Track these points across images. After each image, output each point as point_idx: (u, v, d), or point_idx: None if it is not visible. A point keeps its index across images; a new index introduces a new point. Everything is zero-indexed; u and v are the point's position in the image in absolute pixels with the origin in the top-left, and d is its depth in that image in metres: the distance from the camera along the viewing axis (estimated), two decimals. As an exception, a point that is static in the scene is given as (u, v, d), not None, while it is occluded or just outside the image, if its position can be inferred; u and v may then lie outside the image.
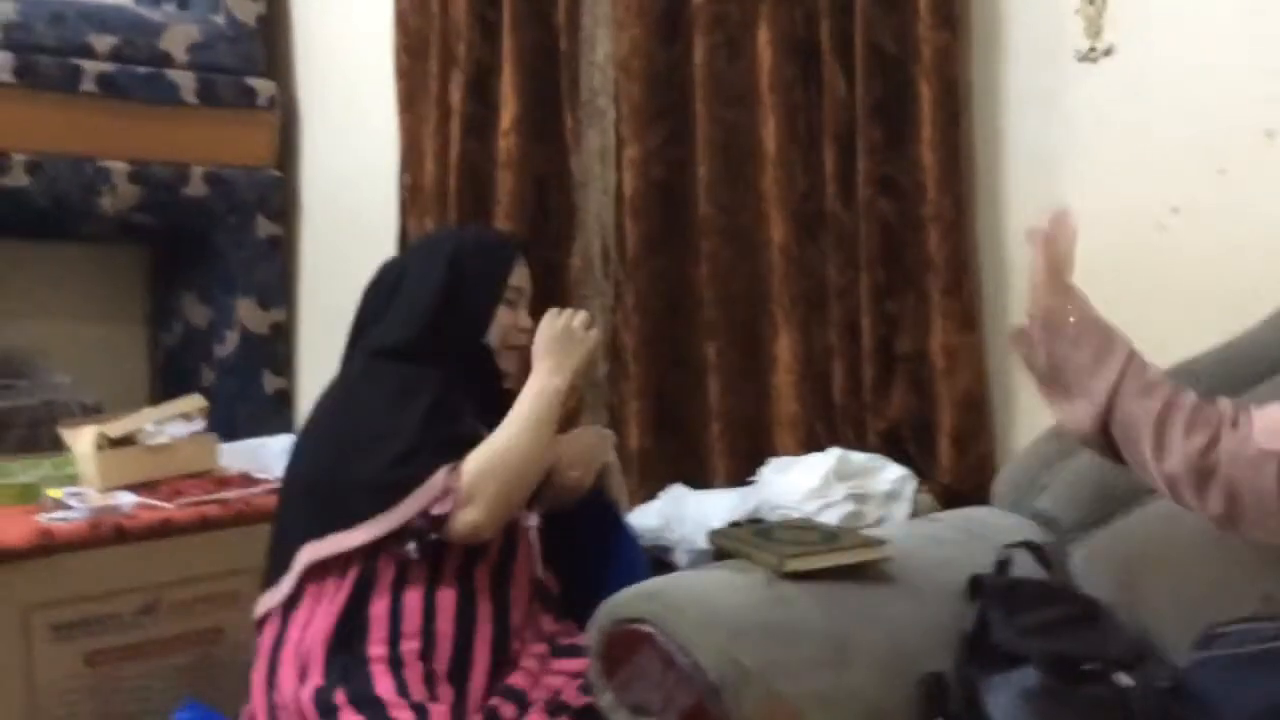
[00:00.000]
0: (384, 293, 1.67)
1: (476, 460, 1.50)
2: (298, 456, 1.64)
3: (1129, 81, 1.74)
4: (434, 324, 1.61)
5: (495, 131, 2.49)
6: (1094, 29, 1.75)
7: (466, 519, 1.48)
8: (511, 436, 1.53)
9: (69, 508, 2.02)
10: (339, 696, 1.44)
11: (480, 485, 1.48)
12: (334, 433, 1.57)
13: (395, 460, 1.50)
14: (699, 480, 2.12)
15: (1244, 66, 1.63)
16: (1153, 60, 1.71)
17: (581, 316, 1.63)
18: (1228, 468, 1.22)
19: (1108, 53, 1.75)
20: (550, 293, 2.39)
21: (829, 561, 1.42)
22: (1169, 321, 1.68)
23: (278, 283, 3.12)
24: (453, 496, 1.47)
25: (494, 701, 1.49)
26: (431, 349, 1.60)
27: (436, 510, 1.47)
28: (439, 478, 1.48)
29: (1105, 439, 1.30)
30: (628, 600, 1.37)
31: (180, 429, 2.24)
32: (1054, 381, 1.33)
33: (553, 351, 1.59)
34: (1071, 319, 1.30)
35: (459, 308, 1.63)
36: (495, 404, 1.64)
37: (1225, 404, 1.28)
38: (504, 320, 1.65)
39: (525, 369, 1.63)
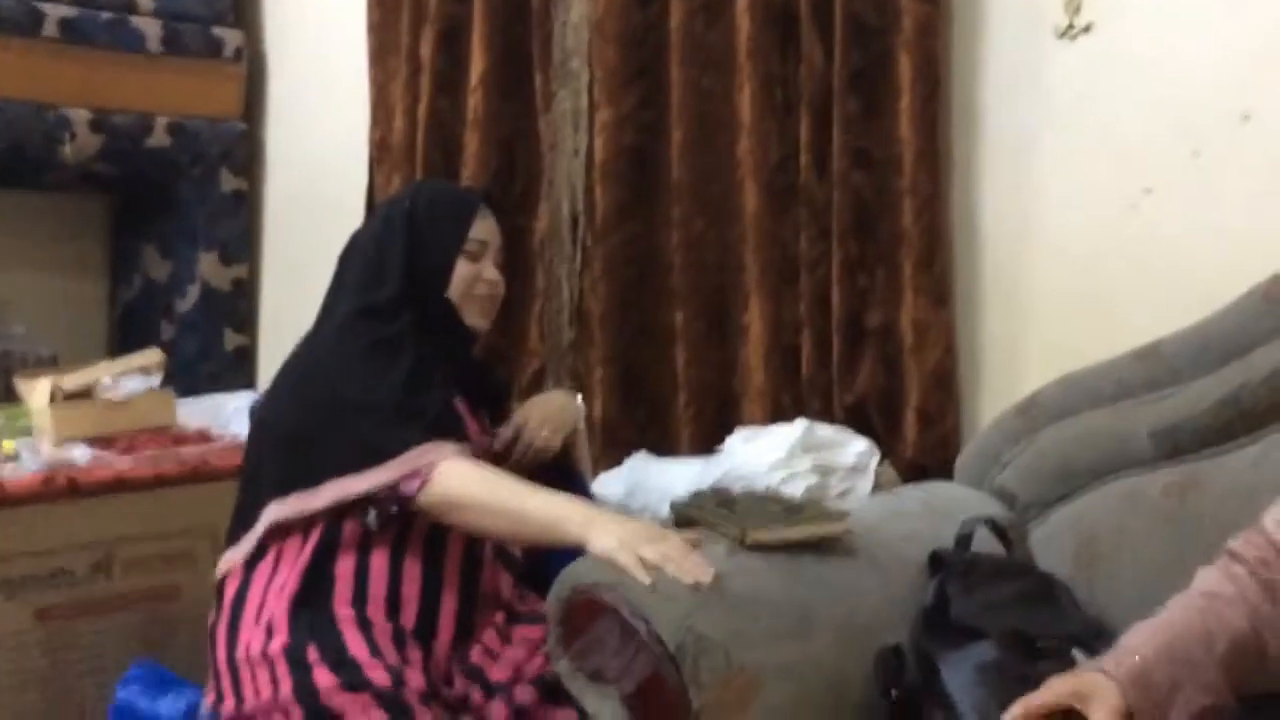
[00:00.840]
0: (355, 256, 1.65)
1: (467, 477, 1.44)
2: (269, 411, 1.61)
3: (1106, 60, 1.73)
4: (401, 281, 1.59)
5: (465, 89, 2.46)
6: (1073, 5, 1.74)
7: (427, 500, 1.44)
8: (514, 499, 1.43)
9: (22, 460, 1.99)
10: (311, 653, 1.42)
11: (453, 493, 1.44)
12: (309, 390, 1.54)
13: (370, 426, 1.46)
14: (664, 449, 2.11)
15: (1221, 49, 1.62)
16: (1130, 39, 1.70)
17: (695, 557, 1.32)
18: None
19: (1086, 30, 1.73)
20: (515, 257, 2.37)
21: (791, 534, 1.41)
22: (1141, 301, 1.69)
23: (241, 238, 3.07)
24: (420, 479, 1.43)
25: (458, 682, 1.47)
26: (401, 306, 1.58)
27: (404, 488, 1.44)
28: (412, 455, 1.44)
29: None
30: (588, 568, 1.36)
31: (137, 383, 2.20)
32: None
33: (639, 535, 1.34)
34: None
35: (421, 262, 1.60)
36: (465, 354, 1.63)
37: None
38: (462, 272, 1.62)
39: (490, 320, 1.65)
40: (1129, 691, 1.07)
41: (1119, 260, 1.72)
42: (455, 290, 1.61)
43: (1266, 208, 1.57)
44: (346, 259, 1.67)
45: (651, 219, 2.19)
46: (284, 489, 1.50)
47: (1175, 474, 1.52)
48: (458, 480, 1.43)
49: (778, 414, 1.98)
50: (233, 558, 1.55)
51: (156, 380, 2.24)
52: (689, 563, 1.29)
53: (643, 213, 2.20)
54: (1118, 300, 1.72)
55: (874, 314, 1.91)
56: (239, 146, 3.04)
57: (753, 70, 2.03)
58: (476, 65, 2.43)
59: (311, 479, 1.48)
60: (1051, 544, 1.61)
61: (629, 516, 1.50)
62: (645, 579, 1.28)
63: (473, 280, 1.63)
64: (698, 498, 1.56)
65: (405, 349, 1.53)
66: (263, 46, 3.08)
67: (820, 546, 1.43)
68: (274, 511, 1.50)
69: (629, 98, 2.19)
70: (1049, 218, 1.81)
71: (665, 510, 1.67)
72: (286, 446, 1.52)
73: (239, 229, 3.06)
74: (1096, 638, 1.41)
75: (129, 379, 2.20)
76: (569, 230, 2.37)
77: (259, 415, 1.66)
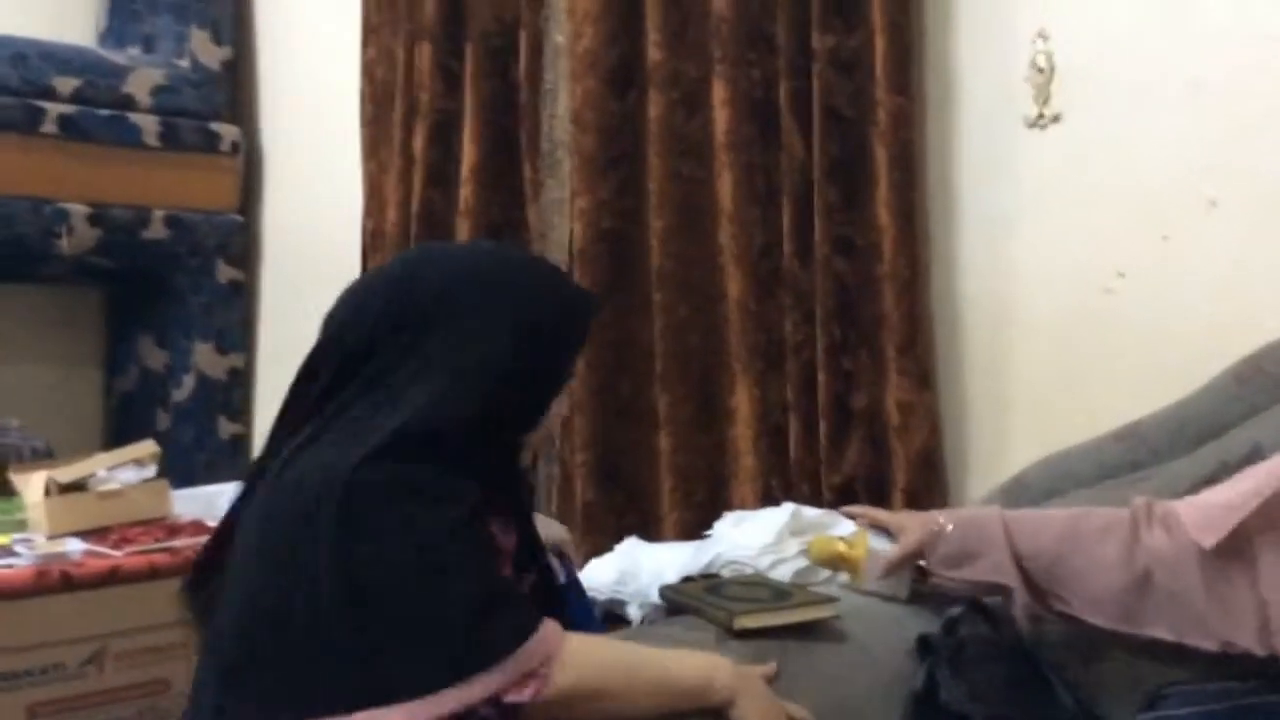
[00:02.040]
0: (406, 328, 1.14)
1: (595, 656, 1.14)
2: (252, 589, 1.10)
3: (1076, 148, 1.78)
4: (491, 404, 1.13)
5: (457, 181, 2.52)
6: (1042, 96, 1.80)
7: (551, 700, 1.07)
8: (653, 666, 1.17)
9: (16, 554, 1.99)
10: None
11: (589, 683, 1.10)
12: (345, 562, 1.04)
13: (470, 612, 1.05)
14: (645, 533, 2.12)
15: (1187, 136, 1.68)
16: (1099, 128, 1.76)
17: None
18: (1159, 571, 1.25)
19: (1056, 119, 1.79)
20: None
21: (779, 619, 1.42)
22: (1116, 384, 1.72)
23: (237, 327, 3.11)
24: (537, 681, 1.06)
25: None
26: (472, 442, 1.12)
27: (513, 696, 1.06)
28: (526, 652, 1.06)
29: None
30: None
31: (132, 475, 2.22)
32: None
33: (759, 703, 1.19)
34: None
35: (523, 385, 1.17)
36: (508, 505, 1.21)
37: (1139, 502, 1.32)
38: (554, 410, 1.23)
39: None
40: (926, 537, 1.41)
41: (1094, 342, 1.75)
42: (541, 429, 1.23)
43: (1234, 290, 1.61)
44: (385, 323, 1.15)
45: (631, 303, 2.23)
46: (296, 711, 1.03)
47: (1158, 553, 1.53)
48: (592, 666, 1.11)
49: (767, 497, 2.00)
50: None
51: (151, 471, 2.26)
52: None
53: (622, 297, 2.24)
54: (1095, 382, 1.75)
55: (859, 396, 1.95)
56: (235, 238, 3.09)
57: (733, 160, 2.08)
58: (468, 157, 2.49)
59: (349, 698, 1.02)
60: (1041, 626, 1.61)
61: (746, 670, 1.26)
62: None
63: (557, 417, 1.26)
64: (687, 584, 1.57)
65: (464, 503, 1.09)
66: (259, 140, 3.15)
67: (808, 632, 1.44)
68: None
69: (606, 185, 2.25)
70: (1027, 301, 1.85)
71: (656, 596, 1.68)
72: (299, 648, 1.04)
73: (235, 319, 3.10)
74: (1086, 721, 1.42)
75: (124, 470, 2.22)
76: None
77: (233, 593, 1.12)
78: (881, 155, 1.91)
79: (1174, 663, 1.40)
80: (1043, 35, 1.80)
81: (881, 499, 1.92)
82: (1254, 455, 1.49)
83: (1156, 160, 1.70)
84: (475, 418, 1.12)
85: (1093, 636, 1.54)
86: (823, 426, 1.95)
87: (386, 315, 1.16)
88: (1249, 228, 1.62)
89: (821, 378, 1.95)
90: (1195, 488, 1.53)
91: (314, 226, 2.98)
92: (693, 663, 1.21)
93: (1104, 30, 1.74)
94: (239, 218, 3.10)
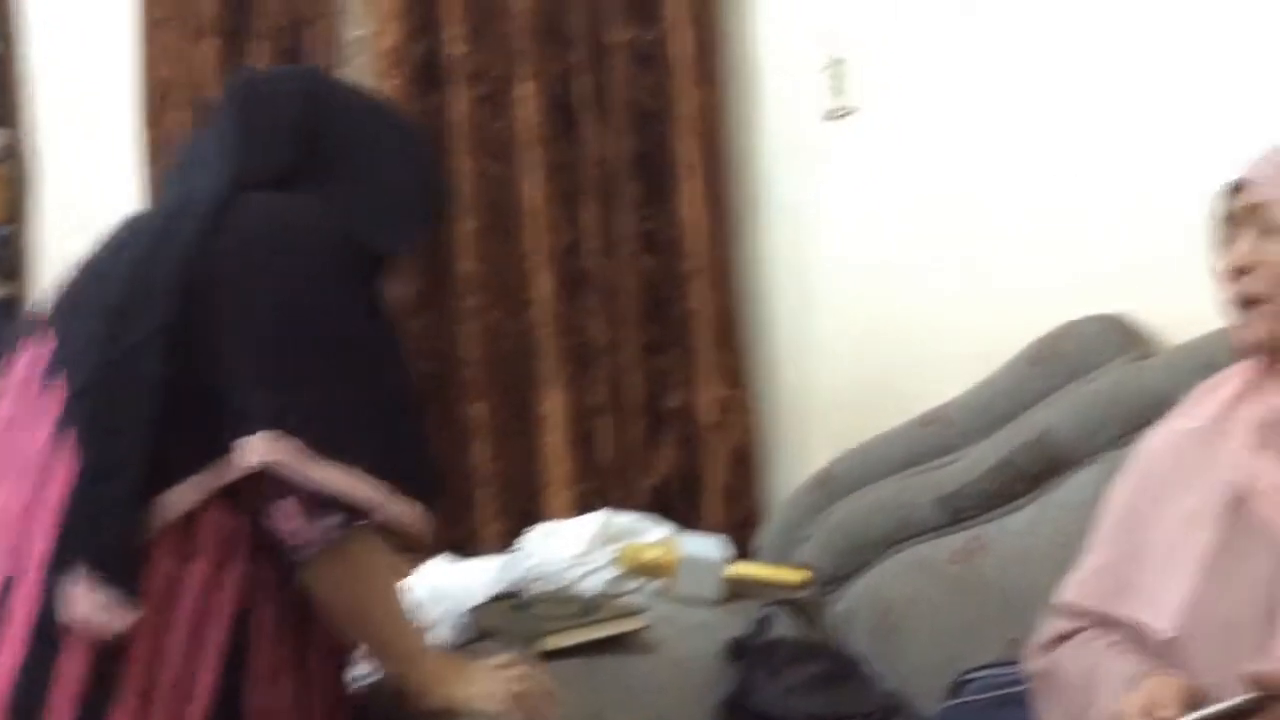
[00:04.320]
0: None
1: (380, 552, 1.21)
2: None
3: (873, 139, 1.79)
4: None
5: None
6: (837, 89, 1.80)
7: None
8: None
9: None
10: None
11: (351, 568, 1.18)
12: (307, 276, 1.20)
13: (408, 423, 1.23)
14: (471, 548, 2.05)
15: (977, 125, 1.69)
16: (893, 118, 1.77)
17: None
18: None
19: (851, 112, 1.79)
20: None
21: (585, 636, 1.38)
22: (919, 368, 1.73)
23: (8, 348, 2.87)
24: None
25: None
26: None
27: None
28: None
29: None
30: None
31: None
32: None
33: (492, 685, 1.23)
34: None
35: None
36: None
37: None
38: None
39: None
40: None
41: (898, 330, 1.76)
42: None
43: (1027, 274, 1.64)
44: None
45: (446, 310, 2.15)
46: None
47: (961, 539, 1.55)
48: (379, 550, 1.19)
49: (582, 502, 1.95)
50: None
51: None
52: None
53: (437, 304, 2.15)
54: (900, 369, 1.76)
55: (672, 396, 1.92)
56: (4, 250, 2.86)
57: (537, 157, 2.02)
58: (261, 160, 2.36)
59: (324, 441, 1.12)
60: (851, 618, 1.61)
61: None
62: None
63: None
64: (494, 603, 1.52)
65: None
66: (30, 143, 2.93)
67: (617, 646, 1.40)
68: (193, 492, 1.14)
69: (416, 188, 2.16)
70: (832, 292, 1.85)
71: (465, 618, 1.61)
72: (268, 362, 1.16)
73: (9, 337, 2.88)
74: (893, 712, 1.42)
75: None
76: (365, 324, 2.31)
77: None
78: (685, 149, 1.88)
79: (975, 651, 1.42)
80: (836, 29, 1.80)
81: (696, 498, 1.89)
82: (1044, 437, 1.52)
83: (949, 149, 1.71)
84: None
85: (899, 627, 1.56)
86: (635, 428, 1.92)
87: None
88: (1034, 218, 1.65)
89: (633, 379, 1.92)
90: (993, 472, 1.56)
91: (93, 236, 2.78)
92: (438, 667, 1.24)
93: (892, 24, 1.75)
94: (7, 228, 2.88)
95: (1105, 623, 1.12)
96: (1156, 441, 1.18)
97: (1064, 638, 1.15)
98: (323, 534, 1.12)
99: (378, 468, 1.14)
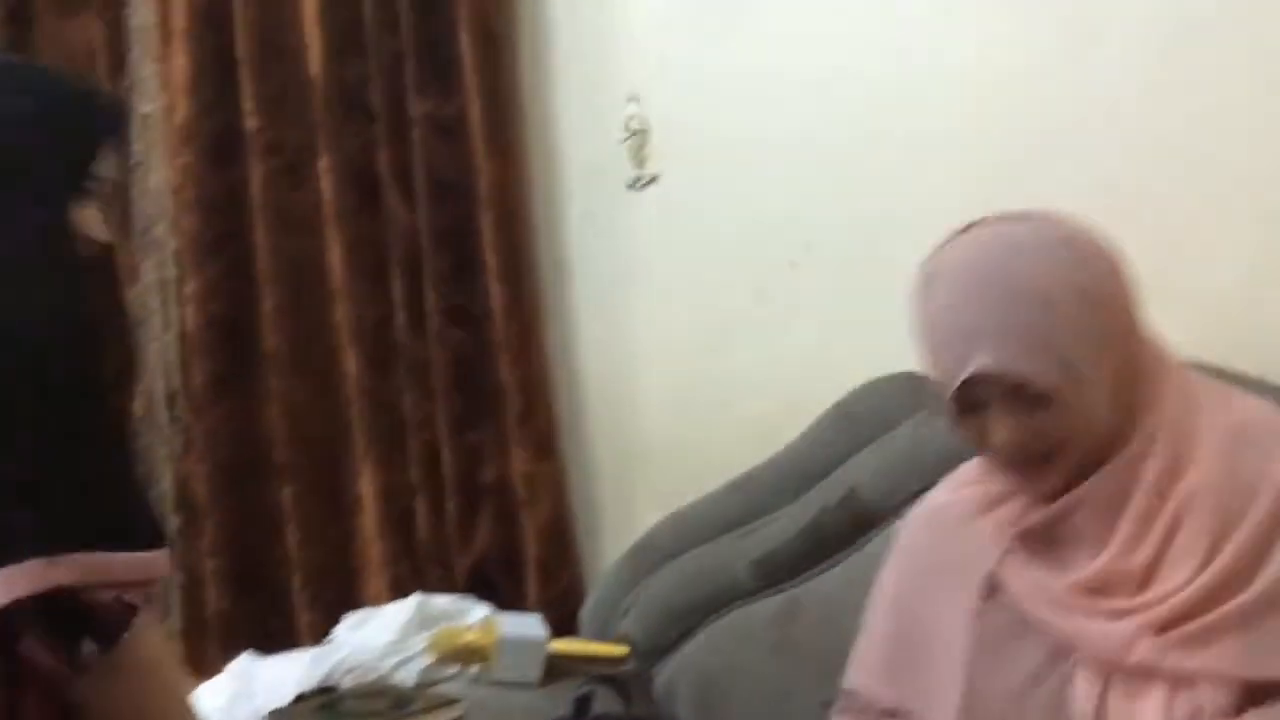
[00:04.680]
0: None
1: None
2: None
3: (675, 208, 1.80)
4: None
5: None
6: (638, 159, 1.81)
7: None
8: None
9: None
10: None
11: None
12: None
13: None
14: (287, 641, 1.95)
15: (774, 195, 1.72)
16: (693, 187, 1.78)
17: None
18: None
19: (653, 180, 1.81)
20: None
21: (395, 732, 1.32)
22: (726, 437, 1.74)
23: None
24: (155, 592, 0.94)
25: None
26: None
27: (131, 597, 0.91)
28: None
29: None
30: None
31: None
32: None
33: None
34: None
35: None
36: None
37: None
38: None
39: None
40: None
41: (706, 397, 1.77)
42: None
43: (825, 340, 1.68)
44: None
45: (251, 392, 2.07)
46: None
47: (777, 603, 1.56)
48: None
49: (399, 586, 1.89)
50: None
51: None
52: None
53: (241, 386, 2.07)
54: (710, 437, 1.77)
55: (486, 471, 1.88)
56: None
57: (340, 231, 1.98)
58: (48, 241, 2.23)
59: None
60: (675, 690, 1.59)
61: None
62: None
63: None
64: (300, 703, 1.44)
65: None
66: None
67: (430, 738, 1.35)
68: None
69: (214, 265, 2.08)
70: (643, 360, 1.85)
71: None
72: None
73: None
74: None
75: None
76: (166, 410, 2.20)
77: None
78: (488, 221, 1.86)
79: (795, 712, 1.41)
80: (635, 98, 1.82)
81: (516, 575, 1.85)
82: (851, 496, 1.54)
83: (747, 219, 1.74)
84: None
85: (723, 697, 1.55)
86: (451, 506, 1.87)
87: None
88: (833, 280, 1.68)
89: (446, 455, 1.87)
90: (803, 534, 1.57)
91: None
92: None
93: (690, 92, 1.78)
94: None
95: (893, 714, 1.13)
96: (920, 528, 1.19)
97: None
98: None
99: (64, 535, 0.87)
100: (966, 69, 1.56)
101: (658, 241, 1.83)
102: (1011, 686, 1.03)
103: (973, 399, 1.03)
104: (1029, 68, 1.51)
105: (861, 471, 1.54)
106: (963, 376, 1.01)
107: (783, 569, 1.56)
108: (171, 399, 2.18)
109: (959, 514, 1.14)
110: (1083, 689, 1.01)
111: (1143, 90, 1.45)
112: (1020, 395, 1.00)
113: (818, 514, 1.54)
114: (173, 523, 2.17)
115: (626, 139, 1.83)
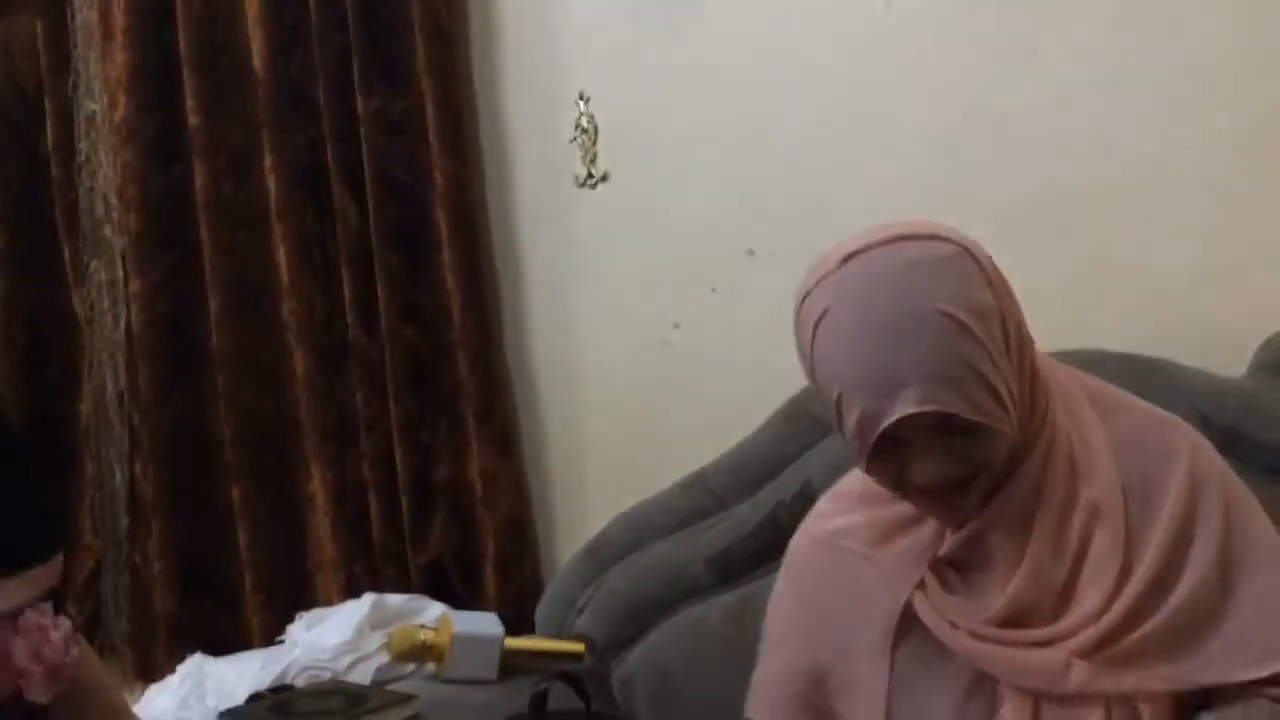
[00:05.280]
0: None
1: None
2: None
3: (626, 205, 1.81)
4: None
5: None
6: (589, 156, 1.81)
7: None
8: None
9: None
10: None
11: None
12: None
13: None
14: (239, 643, 1.94)
15: (724, 191, 1.73)
16: (643, 185, 1.79)
17: None
18: None
19: (604, 179, 1.81)
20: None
21: (350, 733, 1.31)
22: (679, 433, 1.75)
23: None
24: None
25: None
26: None
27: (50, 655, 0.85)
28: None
29: None
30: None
31: None
32: None
33: None
34: None
35: None
36: None
37: None
38: None
39: None
40: None
41: (658, 393, 1.78)
42: None
43: (778, 334, 1.68)
44: None
45: (198, 392, 2.05)
46: None
47: (731, 599, 1.56)
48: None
49: (352, 586, 1.89)
50: None
51: None
52: None
53: (188, 386, 2.05)
54: (663, 431, 1.78)
55: (441, 469, 1.88)
56: None
57: (286, 229, 1.96)
58: (-4, 241, 2.20)
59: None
60: (631, 686, 1.60)
61: None
62: None
63: None
64: (252, 704, 1.42)
65: None
66: None
67: (386, 739, 1.34)
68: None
69: (160, 265, 2.06)
70: (595, 357, 1.86)
71: (222, 721, 1.51)
72: None
73: None
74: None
75: None
76: (116, 410, 2.17)
77: None
78: (442, 219, 1.86)
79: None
80: (584, 97, 1.82)
81: (472, 573, 1.85)
82: (805, 491, 1.55)
83: (697, 215, 1.75)
84: None
85: (678, 691, 1.55)
86: (405, 504, 1.87)
87: None
88: (784, 277, 1.68)
89: (399, 453, 1.87)
90: (758, 530, 1.58)
91: None
92: None
93: (639, 90, 1.78)
94: None
95: None
96: (814, 555, 1.15)
97: None
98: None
99: None
100: (916, 64, 1.57)
101: (608, 239, 1.83)
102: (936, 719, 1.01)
103: (891, 438, 0.95)
104: (979, 64, 1.53)
105: (816, 467, 1.55)
106: (887, 422, 0.93)
107: (738, 565, 1.57)
108: (121, 400, 2.16)
109: (856, 544, 1.09)
110: (1012, 717, 0.98)
111: (1091, 88, 1.47)
112: (946, 428, 0.93)
113: (773, 509, 1.55)
114: (121, 524, 2.15)
115: (576, 137, 1.83)
